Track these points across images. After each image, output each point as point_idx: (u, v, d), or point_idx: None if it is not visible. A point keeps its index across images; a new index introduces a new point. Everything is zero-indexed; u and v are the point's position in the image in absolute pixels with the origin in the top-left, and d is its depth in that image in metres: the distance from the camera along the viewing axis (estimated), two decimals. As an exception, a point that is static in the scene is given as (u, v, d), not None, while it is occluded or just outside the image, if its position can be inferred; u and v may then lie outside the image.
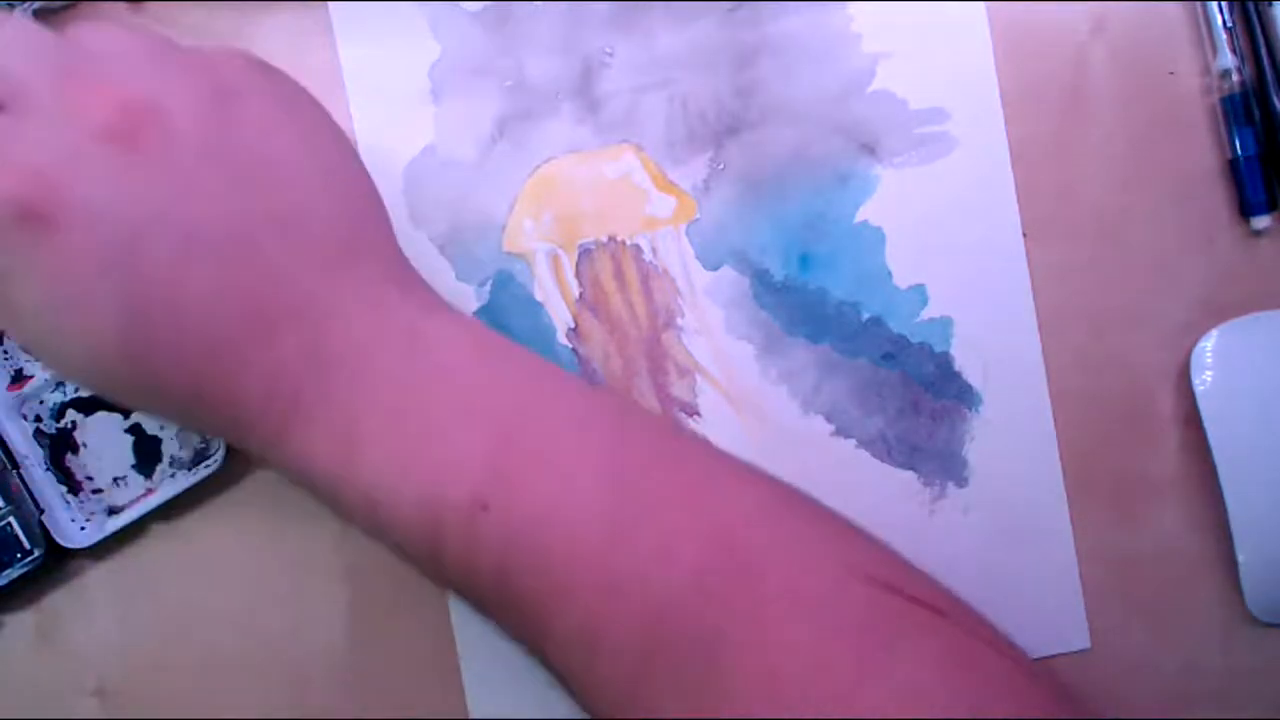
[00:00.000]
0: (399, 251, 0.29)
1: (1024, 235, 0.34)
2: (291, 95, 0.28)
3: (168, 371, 0.25)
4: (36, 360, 0.31)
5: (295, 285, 0.26)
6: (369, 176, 0.29)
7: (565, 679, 0.28)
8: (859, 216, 0.34)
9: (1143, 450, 0.34)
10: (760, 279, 0.35)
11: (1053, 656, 0.34)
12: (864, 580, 0.26)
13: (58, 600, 0.34)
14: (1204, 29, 0.34)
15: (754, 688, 0.25)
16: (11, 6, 0.34)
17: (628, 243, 0.35)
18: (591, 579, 0.25)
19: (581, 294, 0.35)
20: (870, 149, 0.34)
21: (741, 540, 0.26)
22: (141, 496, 0.34)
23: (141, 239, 0.24)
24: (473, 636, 0.33)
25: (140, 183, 0.24)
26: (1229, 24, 0.33)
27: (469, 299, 0.35)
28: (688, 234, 0.35)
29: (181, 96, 0.25)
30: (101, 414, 0.35)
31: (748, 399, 0.35)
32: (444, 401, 0.26)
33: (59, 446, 0.34)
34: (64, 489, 0.34)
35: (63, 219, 0.24)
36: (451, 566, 0.27)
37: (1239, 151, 0.33)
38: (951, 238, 0.34)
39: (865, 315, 0.34)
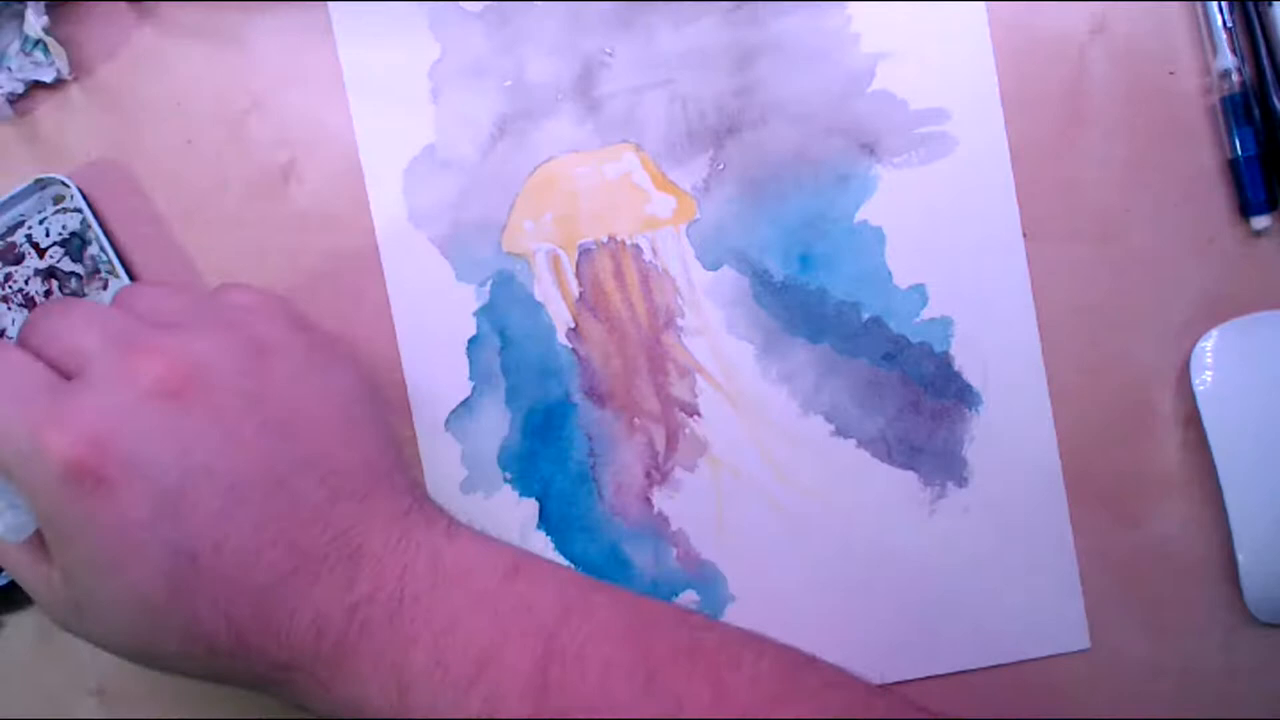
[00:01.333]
0: (415, 483, 0.30)
1: (1024, 235, 0.34)
2: (318, 345, 0.30)
3: (212, 620, 0.26)
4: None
5: (327, 525, 0.27)
6: (385, 417, 0.31)
7: None
8: (859, 216, 0.34)
9: (1143, 450, 0.34)
10: (760, 279, 0.35)
11: (1053, 656, 0.34)
12: None
13: (58, 600, 0.34)
14: (1204, 29, 0.34)
15: None
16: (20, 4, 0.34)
17: (628, 243, 0.35)
18: None
19: (581, 294, 0.35)
20: (870, 149, 0.34)
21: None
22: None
23: (189, 489, 0.26)
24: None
25: (187, 435, 0.26)
26: (1229, 24, 0.33)
27: (469, 299, 0.35)
28: (688, 234, 0.35)
29: (223, 353, 0.28)
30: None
31: (748, 399, 0.35)
32: (483, 629, 0.27)
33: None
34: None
35: (116, 475, 0.26)
36: None
37: (1239, 151, 0.33)
38: (951, 238, 0.34)
39: (865, 315, 0.34)
